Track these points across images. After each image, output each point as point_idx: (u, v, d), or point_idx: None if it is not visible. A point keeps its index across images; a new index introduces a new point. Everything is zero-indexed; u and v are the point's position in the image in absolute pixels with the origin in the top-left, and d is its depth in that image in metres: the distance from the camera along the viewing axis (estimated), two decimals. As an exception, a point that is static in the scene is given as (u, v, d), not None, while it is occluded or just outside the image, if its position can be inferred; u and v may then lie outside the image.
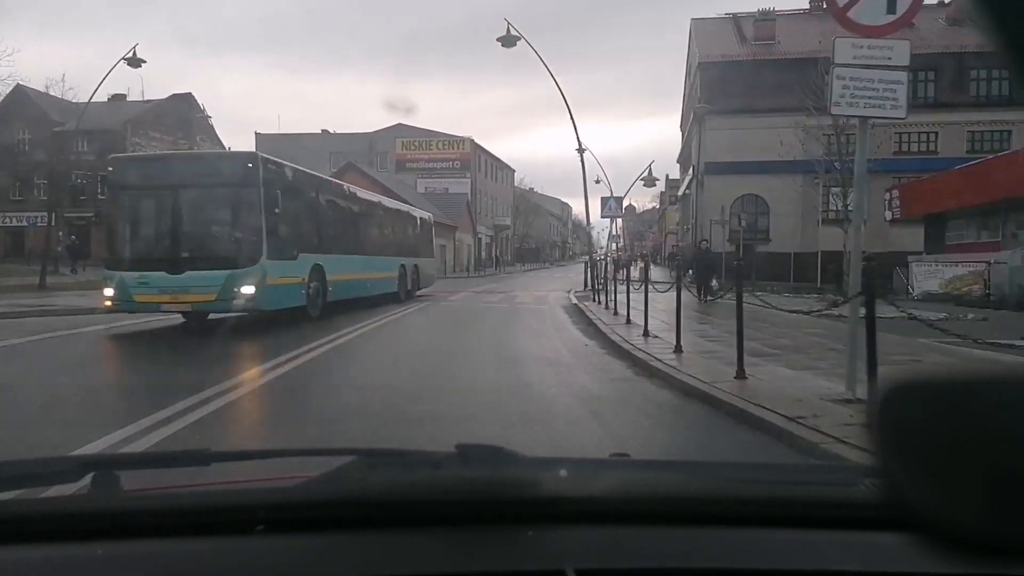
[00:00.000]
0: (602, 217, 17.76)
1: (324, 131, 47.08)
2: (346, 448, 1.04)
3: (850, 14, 4.43)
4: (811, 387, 5.15)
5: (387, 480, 0.93)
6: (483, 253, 49.22)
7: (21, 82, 27.23)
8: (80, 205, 31.49)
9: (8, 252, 35.40)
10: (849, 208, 29.92)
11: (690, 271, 31.38)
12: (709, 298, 13.67)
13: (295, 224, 10.72)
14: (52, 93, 25.61)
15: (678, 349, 6.90)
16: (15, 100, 28.75)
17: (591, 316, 11.81)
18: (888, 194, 22.16)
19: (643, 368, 6.40)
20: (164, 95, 33.72)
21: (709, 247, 15.83)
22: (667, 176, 55.09)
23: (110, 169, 10.22)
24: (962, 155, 29.42)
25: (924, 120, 27.69)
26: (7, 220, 35.21)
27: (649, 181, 26.75)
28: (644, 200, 79.45)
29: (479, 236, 48.58)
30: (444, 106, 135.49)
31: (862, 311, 4.13)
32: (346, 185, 14.99)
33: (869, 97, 4.46)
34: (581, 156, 20.48)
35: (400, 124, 47.41)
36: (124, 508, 0.88)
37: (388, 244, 15.94)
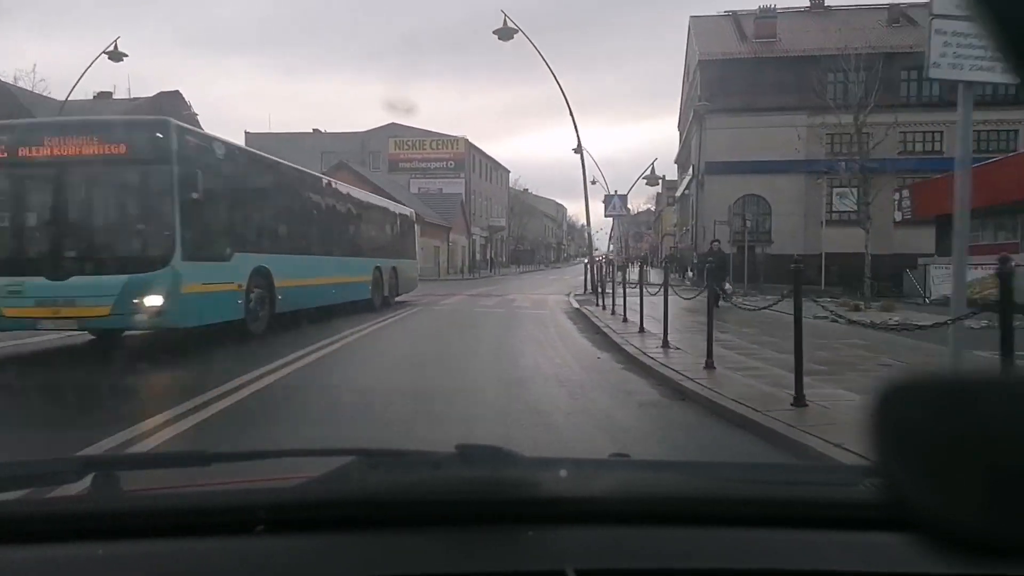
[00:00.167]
0: (606, 216, 16.87)
1: (315, 130, 46.10)
2: (346, 448, 1.02)
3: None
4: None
5: (387, 480, 0.94)
6: (478, 255, 48.18)
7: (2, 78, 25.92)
8: None
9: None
10: (856, 207, 28.98)
11: (689, 272, 30.21)
12: (722, 302, 12.69)
13: (229, 215, 8.50)
14: (21, 85, 24.35)
15: (709, 365, 5.90)
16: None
17: (597, 322, 10.85)
18: (898, 194, 21.33)
19: (671, 388, 5.45)
20: (152, 93, 32.63)
21: (721, 247, 14.87)
22: (664, 177, 54.21)
23: None
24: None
25: (929, 119, 26.88)
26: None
27: (652, 179, 25.90)
28: (639, 201, 78.69)
29: (473, 237, 47.64)
30: (438, 107, 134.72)
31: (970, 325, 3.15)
32: (304, 170, 12.12)
33: (976, 57, 3.49)
34: (581, 155, 19.64)
35: (393, 123, 46.50)
36: (124, 508, 0.88)
37: (360, 243, 13.79)
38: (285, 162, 11.07)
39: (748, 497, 0.88)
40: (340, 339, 8.76)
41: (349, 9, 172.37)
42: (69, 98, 22.26)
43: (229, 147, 8.79)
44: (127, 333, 8.19)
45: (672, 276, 29.28)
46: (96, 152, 7.14)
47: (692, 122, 31.86)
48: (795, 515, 0.83)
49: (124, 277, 6.96)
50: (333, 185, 13.22)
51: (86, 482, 0.97)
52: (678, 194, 37.41)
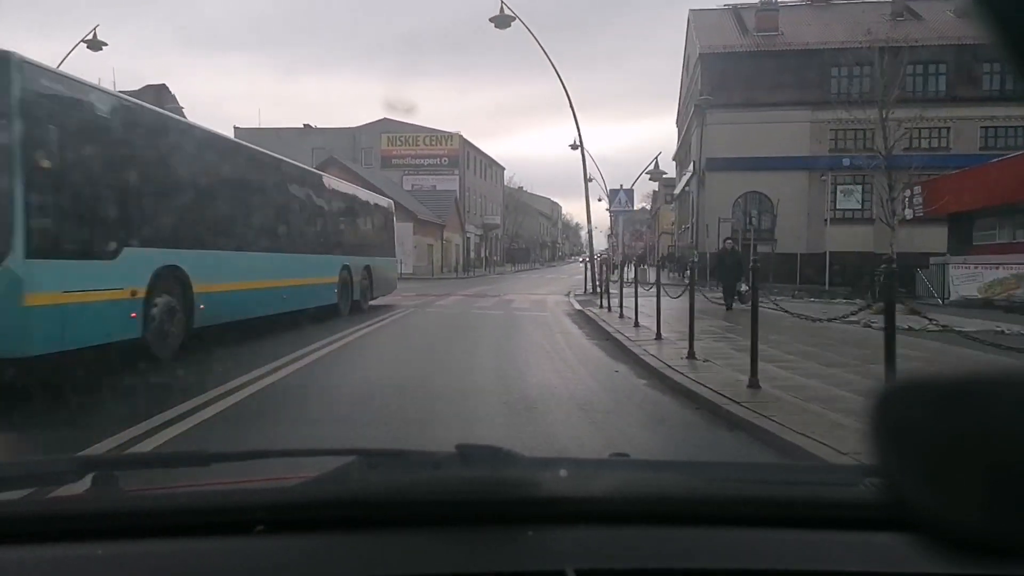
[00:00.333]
0: (610, 211, 15.96)
1: (306, 125, 44.90)
2: (346, 448, 1.02)
3: None
4: None
5: (387, 480, 0.94)
6: (472, 253, 47.15)
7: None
8: None
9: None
10: (861, 204, 28.10)
11: (689, 271, 28.93)
12: (740, 305, 11.73)
13: (115, 194, 6.15)
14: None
15: (754, 384, 4.94)
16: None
17: (605, 326, 9.95)
18: (908, 191, 20.45)
19: (716, 414, 4.53)
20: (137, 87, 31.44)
21: (735, 246, 13.90)
22: (664, 173, 53.33)
23: None
24: (975, 151, 27.75)
25: (935, 115, 26.13)
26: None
27: (656, 174, 25.03)
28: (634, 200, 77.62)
29: (468, 235, 46.73)
30: (431, 106, 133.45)
31: None
32: (241, 143, 9.60)
33: None
34: (582, 150, 18.81)
35: (385, 119, 45.53)
36: (124, 508, 0.89)
37: (323, 237, 11.63)
38: (209, 128, 8.48)
39: (748, 497, 0.88)
40: (289, 362, 6.54)
41: (348, 9, 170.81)
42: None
43: (118, 102, 6.41)
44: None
45: (671, 276, 28.30)
46: None
47: (692, 117, 31.04)
48: (795, 515, 0.83)
49: None
50: (284, 165, 10.50)
51: (86, 482, 0.97)
52: (676, 192, 36.57)
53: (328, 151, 37.69)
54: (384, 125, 45.73)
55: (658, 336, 8.21)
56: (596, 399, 5.21)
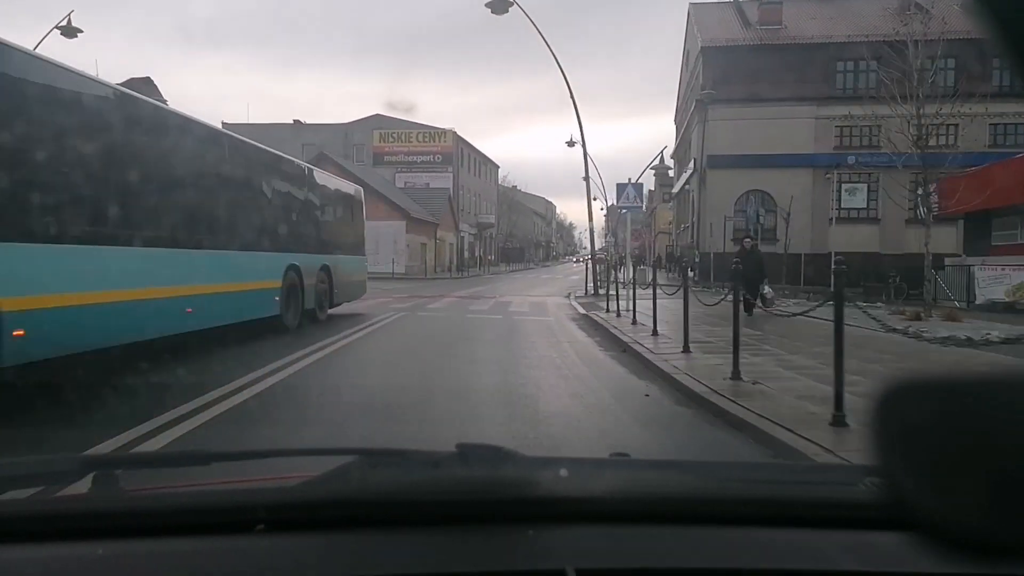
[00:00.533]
0: (618, 207, 14.88)
1: (296, 121, 43.54)
2: (346, 448, 1.04)
3: None
4: None
5: (387, 480, 0.93)
6: (466, 253, 45.95)
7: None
8: None
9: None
10: (866, 203, 27.05)
11: (690, 272, 28.07)
12: (763, 310, 10.60)
13: None
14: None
15: (839, 420, 3.79)
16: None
17: (619, 335, 8.92)
18: (922, 189, 19.38)
19: (788, 455, 3.34)
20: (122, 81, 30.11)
21: (756, 245, 12.75)
22: (666, 170, 52.36)
23: None
24: (983, 149, 26.77)
25: (943, 111, 25.21)
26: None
27: (661, 170, 24.00)
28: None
29: (462, 234, 45.49)
30: (424, 104, 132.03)
31: None
32: (103, 83, 6.20)
33: None
34: (583, 143, 17.66)
35: (378, 115, 44.44)
36: (124, 508, 0.88)
37: (258, 228, 8.92)
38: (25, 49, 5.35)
39: (748, 497, 0.88)
40: (176, 421, 4.21)
41: (345, 8, 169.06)
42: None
43: None
44: None
45: (670, 276, 27.10)
46: None
47: (693, 113, 30.07)
48: (795, 515, 0.83)
49: None
50: (192, 126, 7.54)
51: (86, 482, 0.95)
52: (675, 190, 35.53)
53: (320, 148, 36.33)
54: (376, 121, 44.61)
55: (685, 348, 7.07)
56: (635, 440, 4.12)
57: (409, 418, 4.45)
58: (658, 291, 9.53)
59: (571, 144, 26.23)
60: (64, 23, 18.92)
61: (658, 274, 14.65)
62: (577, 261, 78.15)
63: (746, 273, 11.78)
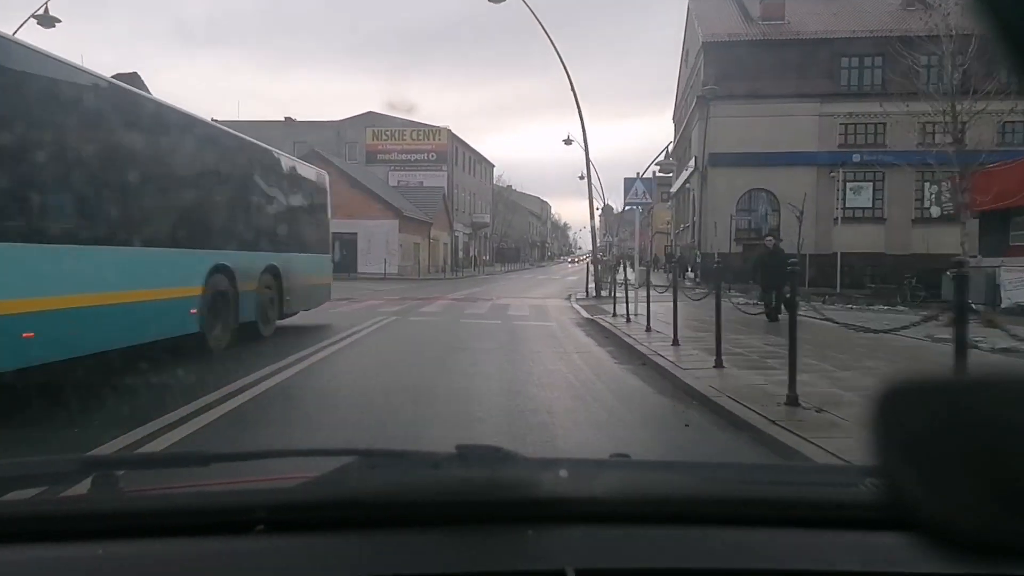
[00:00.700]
0: (626, 204, 13.97)
1: (287, 119, 42.27)
2: (346, 448, 1.00)
3: None
4: None
5: (387, 480, 0.92)
6: (461, 253, 44.89)
7: None
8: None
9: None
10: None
11: (690, 272, 27.02)
12: (783, 316, 9.59)
13: None
14: None
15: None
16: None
17: (634, 344, 8.03)
18: (937, 187, 18.55)
19: None
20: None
21: (778, 244, 11.70)
22: (654, 173, 51.48)
23: None
24: (991, 147, 25.94)
25: (950, 108, 24.42)
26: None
27: (666, 166, 23.16)
28: (621, 199, 76.09)
29: (456, 234, 44.46)
30: (421, 105, 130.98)
31: None
32: None
33: None
34: (585, 143, 16.61)
35: (371, 112, 43.50)
36: (124, 508, 0.88)
37: (167, 216, 6.81)
38: None
39: (748, 497, 0.88)
40: None
41: (342, 7, 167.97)
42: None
43: None
44: None
45: (668, 277, 26.15)
46: None
47: (694, 111, 29.21)
48: (795, 515, 0.83)
49: None
50: (36, 59, 5.13)
51: (86, 482, 0.95)
52: (674, 189, 34.61)
53: (311, 146, 35.21)
54: (369, 119, 43.67)
55: (718, 362, 6.07)
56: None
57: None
58: (664, 293, 8.62)
59: (568, 142, 25.40)
60: (41, 11, 17.90)
61: (657, 275, 13.71)
62: (572, 262, 77.30)
63: (770, 275, 10.84)
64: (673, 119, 40.69)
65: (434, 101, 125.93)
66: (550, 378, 6.28)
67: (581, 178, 26.44)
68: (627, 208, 15.03)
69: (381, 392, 5.55)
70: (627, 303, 11.09)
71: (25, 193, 4.84)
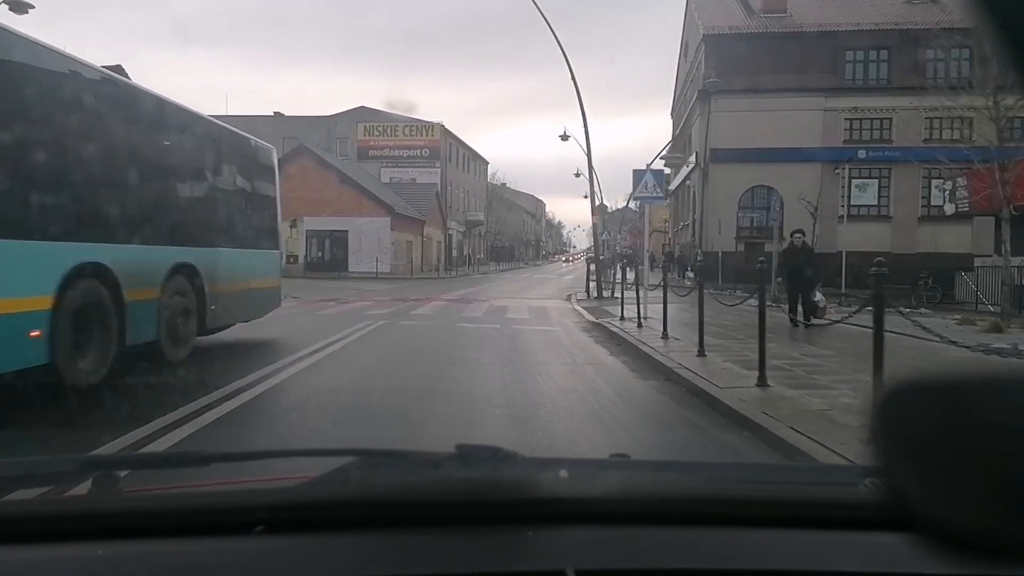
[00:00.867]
0: (635, 199, 13.08)
1: (277, 114, 41.20)
2: (346, 448, 1.00)
3: None
4: None
5: (387, 480, 0.93)
6: (454, 251, 43.88)
7: None
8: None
9: None
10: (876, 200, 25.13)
11: (689, 271, 25.81)
12: (813, 320, 8.69)
13: None
14: None
15: None
16: None
17: (652, 354, 7.28)
18: (951, 183, 17.81)
19: None
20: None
21: (805, 240, 10.74)
22: (677, 159, 50.62)
23: None
24: (996, 144, 25.14)
25: (956, 104, 23.73)
26: None
27: (671, 160, 22.30)
28: (618, 198, 75.24)
29: (450, 232, 43.44)
30: (418, 103, 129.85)
31: None
32: None
33: None
34: (587, 139, 15.67)
35: (362, 107, 42.49)
36: (124, 508, 0.88)
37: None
38: None
39: (748, 497, 0.88)
40: None
41: (339, 6, 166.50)
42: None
43: None
44: None
45: (668, 276, 25.17)
46: None
47: (694, 105, 28.36)
48: (795, 515, 0.83)
49: None
50: None
51: (86, 482, 0.95)
52: (673, 186, 33.73)
53: (301, 141, 34.07)
54: (360, 114, 42.71)
55: (761, 381, 5.11)
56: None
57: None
58: (670, 294, 7.89)
59: (565, 137, 24.54)
60: (14, -3, 16.83)
61: (654, 275, 12.85)
62: (567, 260, 76.34)
63: (796, 276, 9.90)
64: (671, 115, 39.84)
65: (428, 99, 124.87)
66: (564, 399, 5.40)
67: (577, 175, 25.56)
68: (632, 203, 14.14)
69: (355, 437, 3.94)
70: (638, 306, 10.17)
71: None
